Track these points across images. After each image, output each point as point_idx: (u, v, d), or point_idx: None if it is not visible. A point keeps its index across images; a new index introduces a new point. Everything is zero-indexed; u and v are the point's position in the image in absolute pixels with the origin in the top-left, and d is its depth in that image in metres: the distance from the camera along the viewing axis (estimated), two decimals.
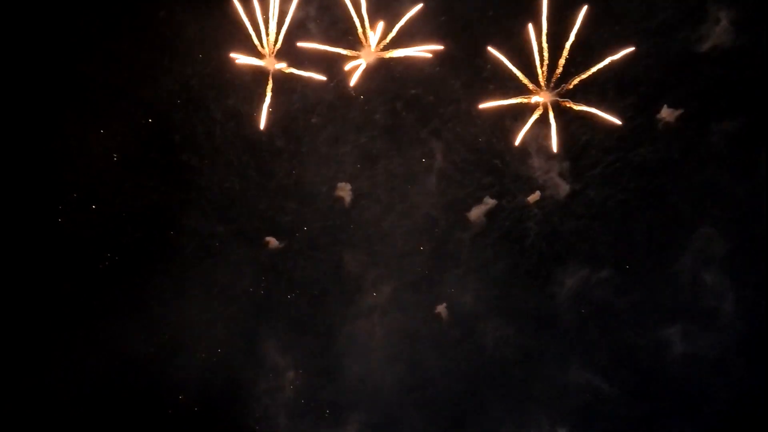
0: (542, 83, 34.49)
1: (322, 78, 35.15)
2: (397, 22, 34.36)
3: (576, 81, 34.30)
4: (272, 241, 37.64)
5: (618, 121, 34.54)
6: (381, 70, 35.50)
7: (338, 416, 36.98)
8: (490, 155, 36.27)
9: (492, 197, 36.50)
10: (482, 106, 34.93)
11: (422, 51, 34.89)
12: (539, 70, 34.31)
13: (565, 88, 34.40)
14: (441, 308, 37.30)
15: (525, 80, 34.49)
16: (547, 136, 34.78)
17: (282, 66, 35.15)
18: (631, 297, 36.36)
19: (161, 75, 35.45)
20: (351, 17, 34.48)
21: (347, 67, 35.36)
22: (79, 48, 34.97)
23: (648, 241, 36.38)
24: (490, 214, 36.57)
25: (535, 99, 34.50)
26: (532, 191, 36.24)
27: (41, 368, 35.42)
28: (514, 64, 34.35)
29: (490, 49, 34.21)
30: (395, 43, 34.71)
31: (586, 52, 34.03)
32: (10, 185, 35.11)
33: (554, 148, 35.01)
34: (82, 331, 35.60)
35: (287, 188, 36.96)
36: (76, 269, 35.89)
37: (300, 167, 36.86)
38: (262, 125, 35.74)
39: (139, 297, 36.08)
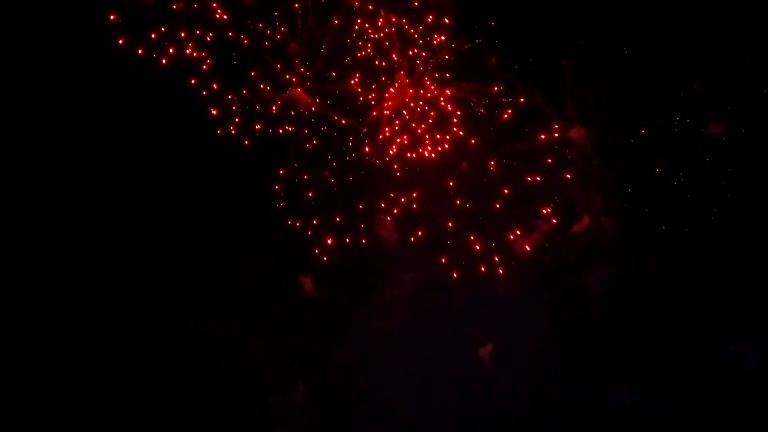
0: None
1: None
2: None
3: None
4: (307, 282, 36.15)
5: None
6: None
7: None
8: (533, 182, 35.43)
9: (539, 224, 35.32)
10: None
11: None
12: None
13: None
14: (485, 348, 35.38)
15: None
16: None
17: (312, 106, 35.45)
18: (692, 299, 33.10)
19: None
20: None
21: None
22: None
23: (717, 229, 33.10)
24: (535, 246, 35.29)
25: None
26: (580, 218, 35.07)
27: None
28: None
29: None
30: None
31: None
32: None
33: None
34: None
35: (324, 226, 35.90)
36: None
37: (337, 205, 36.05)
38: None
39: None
